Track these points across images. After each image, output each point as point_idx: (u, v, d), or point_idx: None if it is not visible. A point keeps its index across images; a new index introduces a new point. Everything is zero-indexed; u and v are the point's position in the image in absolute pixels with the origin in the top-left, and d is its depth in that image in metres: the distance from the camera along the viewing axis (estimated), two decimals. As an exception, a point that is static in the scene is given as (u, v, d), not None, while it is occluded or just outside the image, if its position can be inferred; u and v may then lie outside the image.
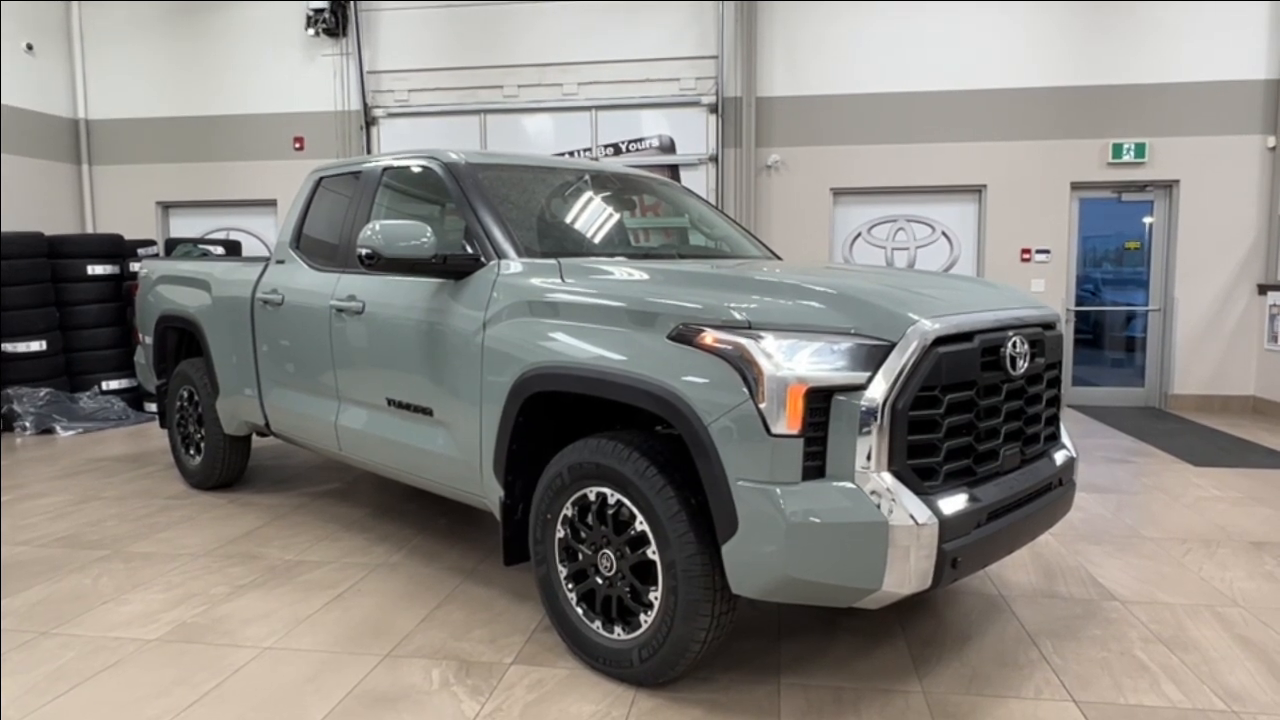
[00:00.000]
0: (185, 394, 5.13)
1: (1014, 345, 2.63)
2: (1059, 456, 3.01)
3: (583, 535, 2.77)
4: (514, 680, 2.75)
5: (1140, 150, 8.13)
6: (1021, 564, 3.82)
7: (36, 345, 7.26)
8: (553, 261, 3.05)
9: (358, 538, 4.20)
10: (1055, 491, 2.91)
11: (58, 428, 6.98)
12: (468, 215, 3.37)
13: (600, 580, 2.74)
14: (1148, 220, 8.58)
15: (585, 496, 2.73)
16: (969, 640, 3.05)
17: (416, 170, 3.78)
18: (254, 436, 5.07)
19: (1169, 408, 8.36)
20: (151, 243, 8.41)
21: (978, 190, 8.53)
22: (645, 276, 2.80)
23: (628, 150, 8.84)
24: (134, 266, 7.78)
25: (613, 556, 2.67)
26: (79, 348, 7.65)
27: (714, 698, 2.63)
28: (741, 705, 2.59)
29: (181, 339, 5.34)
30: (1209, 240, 8.20)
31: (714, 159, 8.70)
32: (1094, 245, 8.81)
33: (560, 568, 2.85)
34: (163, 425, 5.45)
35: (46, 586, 3.57)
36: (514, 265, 3.11)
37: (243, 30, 9.28)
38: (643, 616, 2.61)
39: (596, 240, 3.73)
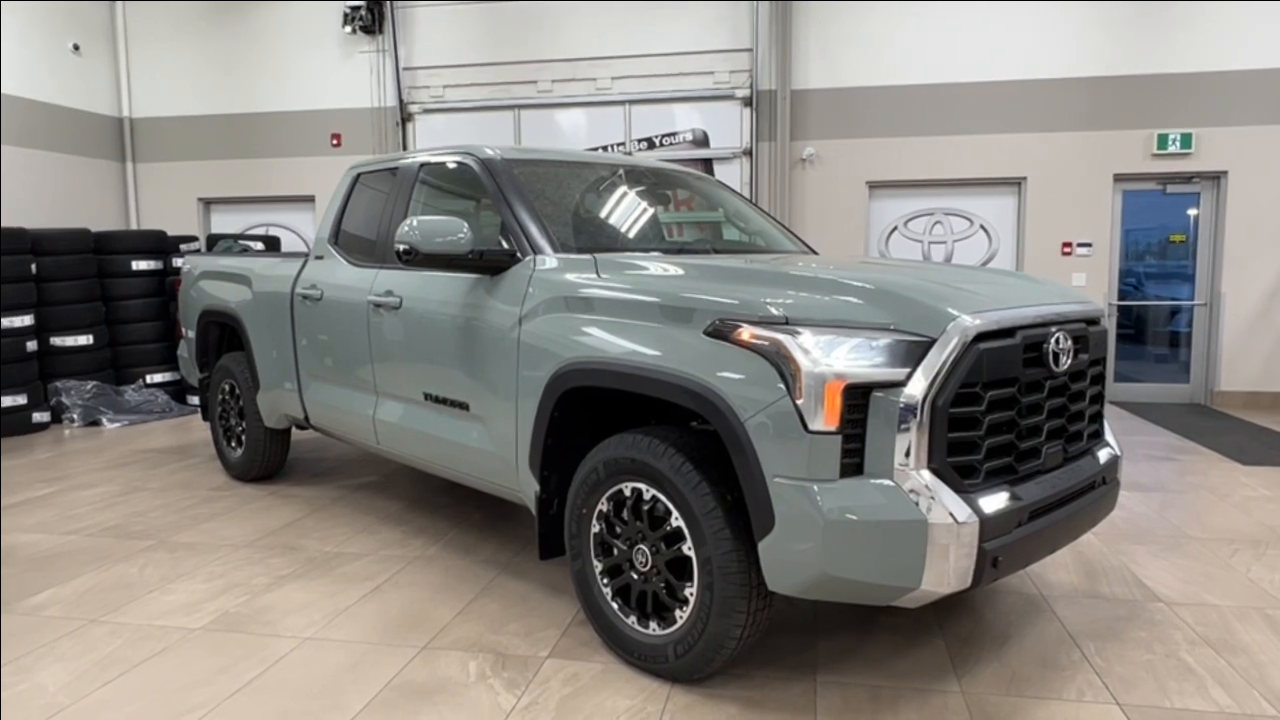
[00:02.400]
0: (227, 387, 5.23)
1: (1057, 341, 2.59)
2: (1102, 454, 2.95)
3: (618, 530, 2.78)
4: (550, 674, 2.76)
5: (1186, 141, 7.94)
6: (1063, 564, 3.76)
7: (84, 339, 7.43)
8: (588, 257, 3.06)
9: (395, 530, 4.25)
10: (1098, 490, 2.85)
11: (104, 420, 7.15)
12: (503, 211, 3.38)
13: (635, 575, 2.74)
14: (1193, 212, 8.37)
15: (620, 492, 2.74)
16: (1009, 640, 3.01)
17: (453, 166, 3.81)
18: (293, 430, 5.15)
19: (1215, 405, 8.16)
20: (193, 239, 8.57)
21: (1017, 183, 8.38)
22: (681, 272, 2.79)
23: (661, 144, 8.82)
24: (177, 262, 7.93)
25: (648, 552, 2.68)
26: (124, 342, 7.82)
27: (749, 694, 2.63)
28: (777, 702, 2.58)
29: (223, 333, 5.43)
30: (1258, 232, 7.98)
31: (748, 152, 8.65)
32: (1137, 238, 8.61)
33: (595, 562, 2.86)
34: (205, 418, 5.55)
35: (95, 575, 3.66)
36: (549, 261, 3.12)
37: (281, 29, 9.40)
38: (678, 612, 2.61)
39: (631, 235, 3.73)
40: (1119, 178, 8.19)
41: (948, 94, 8.29)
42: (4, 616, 3.23)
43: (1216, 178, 8.12)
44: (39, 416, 6.96)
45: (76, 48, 9.10)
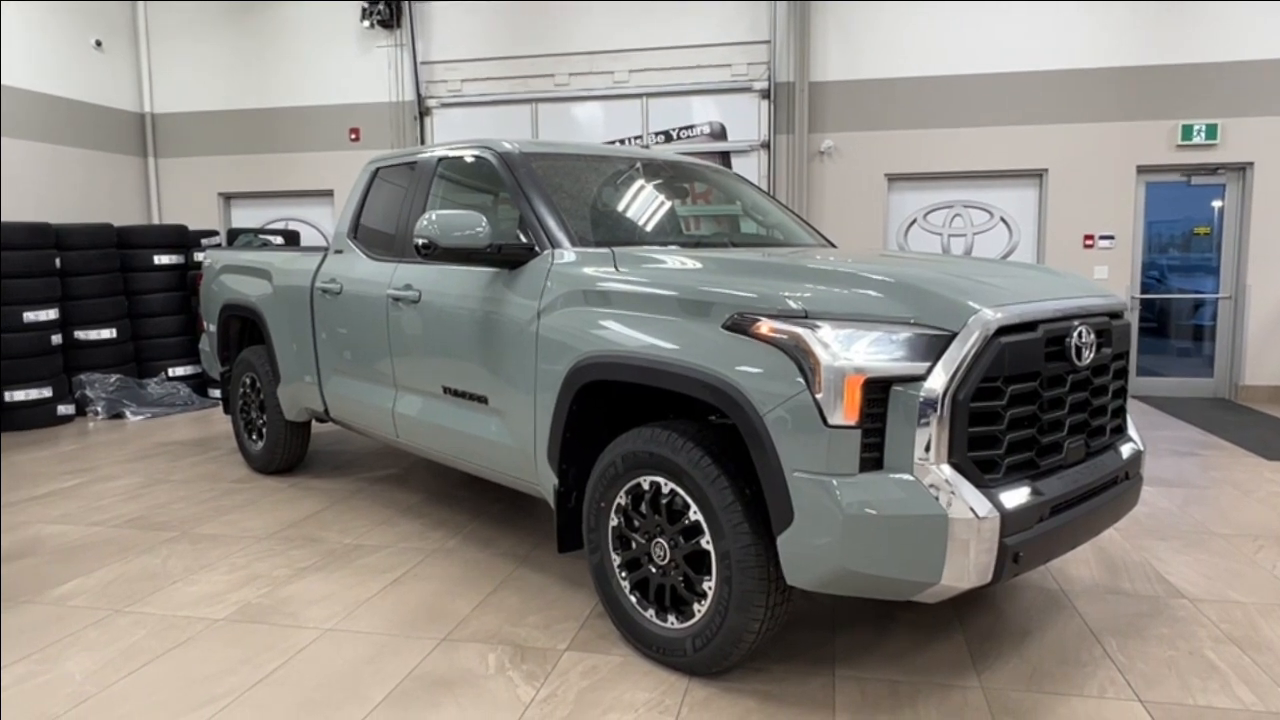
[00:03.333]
0: (248, 381, 5.27)
1: (1079, 335, 2.56)
2: (1125, 449, 2.92)
3: (636, 524, 2.78)
4: (568, 666, 2.77)
5: (1211, 131, 7.83)
6: (1084, 559, 3.73)
7: (107, 333, 7.52)
8: (606, 250, 3.06)
9: (414, 523, 4.28)
10: (1121, 485, 2.83)
11: (127, 412, 7.24)
12: (521, 204, 3.38)
13: (654, 569, 2.74)
14: (1218, 204, 8.26)
15: (639, 485, 2.74)
16: (1029, 636, 2.99)
17: (471, 160, 3.81)
18: (313, 422, 5.19)
19: (1239, 399, 8.07)
20: (214, 233, 8.64)
21: (1038, 175, 8.30)
22: (699, 265, 2.79)
23: (678, 137, 8.80)
24: (198, 256, 8.00)
25: (666, 546, 2.68)
26: (146, 335, 7.91)
27: (767, 688, 2.63)
28: (795, 697, 2.58)
29: (244, 327, 5.48)
30: (1285, 225, 7.86)
31: (765, 145, 8.61)
32: (1160, 231, 8.51)
33: (614, 556, 2.86)
34: (226, 411, 5.60)
35: (119, 566, 3.71)
36: (568, 254, 3.12)
37: (300, 24, 9.44)
38: (696, 606, 2.61)
39: (649, 229, 3.72)
40: (1142, 169, 8.10)
41: (968, 85, 8.21)
42: (31, 606, 3.28)
43: (1242, 169, 8.01)
44: (64, 409, 7.05)
45: (99, 44, 9.18)
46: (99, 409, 7.22)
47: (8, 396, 6.71)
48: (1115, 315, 2.87)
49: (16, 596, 3.38)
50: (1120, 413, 2.98)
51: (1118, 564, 3.69)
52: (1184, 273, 8.57)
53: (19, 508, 4.61)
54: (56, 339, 7.09)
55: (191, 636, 3.01)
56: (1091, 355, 2.61)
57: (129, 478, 5.24)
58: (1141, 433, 3.09)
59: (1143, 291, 8.44)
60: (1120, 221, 8.12)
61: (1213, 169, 8.08)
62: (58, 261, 7.19)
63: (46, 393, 6.91)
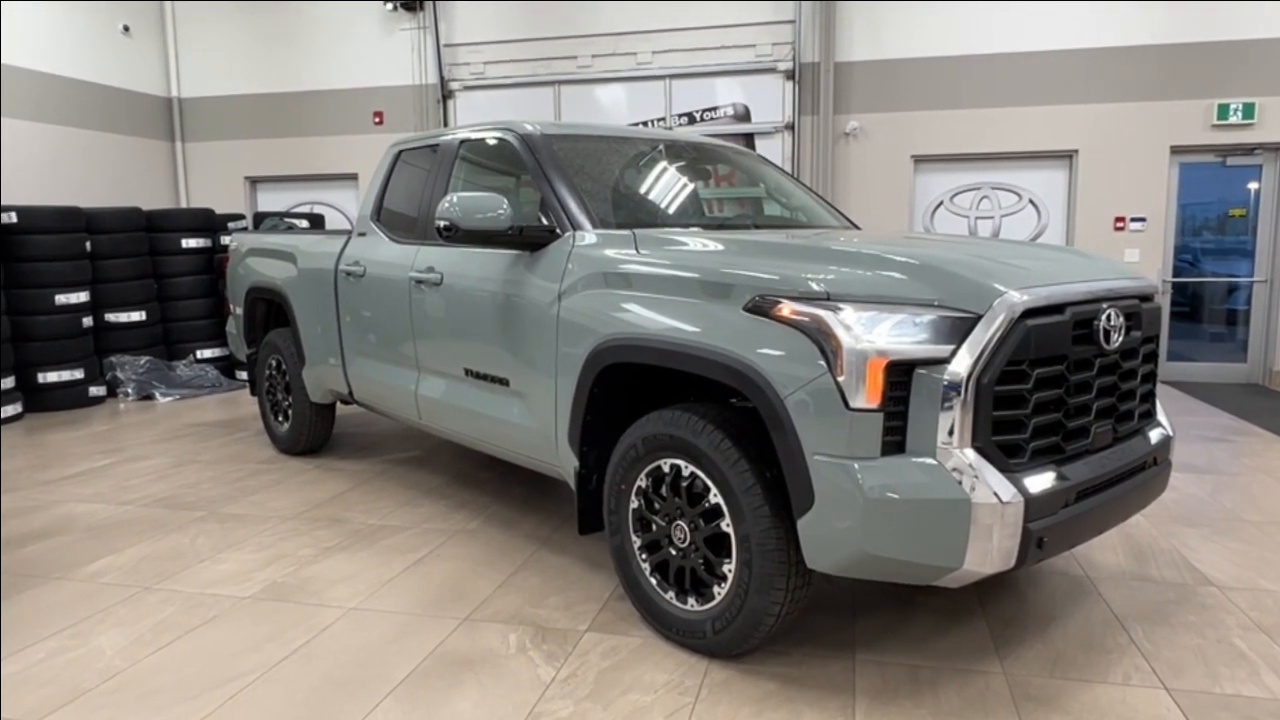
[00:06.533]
0: (274, 363, 5.32)
1: (1108, 318, 2.52)
2: (1154, 434, 2.88)
3: (657, 506, 2.78)
4: (588, 647, 2.79)
5: (1249, 110, 7.63)
6: (1110, 545, 3.68)
7: (137, 315, 7.62)
8: (627, 233, 3.05)
9: (437, 504, 4.31)
10: (1149, 471, 2.78)
11: (157, 394, 7.35)
12: (543, 187, 3.38)
13: (674, 551, 2.74)
14: (1253, 186, 8.07)
15: (659, 468, 2.74)
16: (1053, 622, 2.96)
17: (493, 142, 3.81)
18: (338, 404, 5.24)
19: (1273, 385, 7.91)
20: (241, 217, 8.71)
21: (1068, 156, 8.15)
22: (720, 247, 2.77)
23: (702, 119, 8.73)
24: (225, 240, 8.08)
25: (686, 528, 2.68)
26: (175, 318, 8.01)
27: (787, 671, 2.62)
28: (815, 680, 2.58)
29: (270, 310, 5.53)
30: (1323, 206, 7.67)
31: (790, 127, 8.52)
32: (1194, 213, 8.33)
33: (634, 538, 2.87)
34: (253, 393, 5.66)
35: (149, 544, 3.77)
36: (589, 236, 3.11)
37: (323, 7, 9.45)
38: (716, 588, 2.61)
39: (671, 211, 3.70)
40: (1176, 150, 7.92)
41: (996, 64, 8.06)
42: (63, 583, 3.35)
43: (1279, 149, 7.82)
44: (95, 390, 7.17)
45: (126, 29, 9.26)
46: (129, 390, 7.34)
47: (41, 378, 6.84)
48: (1145, 298, 2.81)
49: (49, 573, 3.45)
50: (1149, 397, 2.93)
51: (1145, 550, 3.64)
52: (1218, 256, 8.39)
53: (52, 486, 4.70)
54: (87, 321, 7.20)
55: (219, 614, 3.06)
56: (1120, 338, 2.57)
57: (158, 458, 5.32)
58: (1172, 418, 3.04)
59: (1175, 275, 8.28)
60: (1152, 203, 7.96)
61: (1249, 149, 7.89)
62: (88, 245, 7.28)
63: (78, 374, 7.03)
